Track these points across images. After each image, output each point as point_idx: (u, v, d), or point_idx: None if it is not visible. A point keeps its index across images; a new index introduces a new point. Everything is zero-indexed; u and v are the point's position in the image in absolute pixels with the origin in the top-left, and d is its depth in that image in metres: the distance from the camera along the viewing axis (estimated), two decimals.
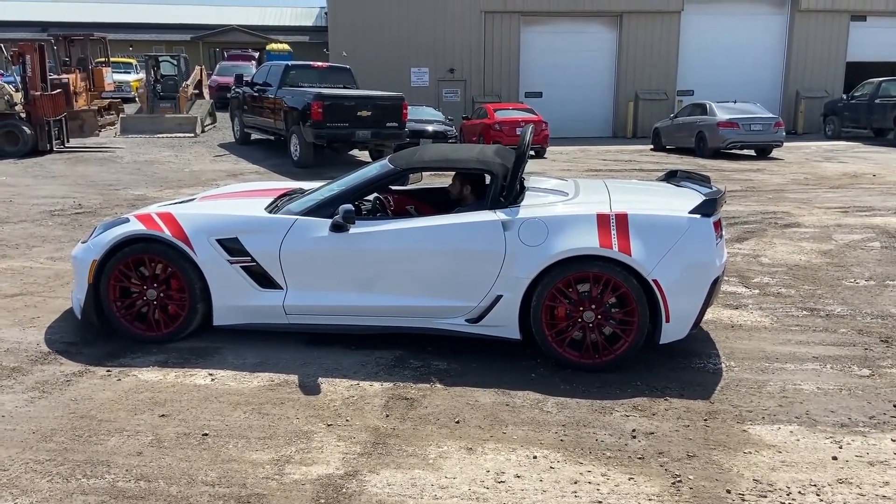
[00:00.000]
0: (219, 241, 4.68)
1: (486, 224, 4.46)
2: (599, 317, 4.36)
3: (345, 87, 15.61)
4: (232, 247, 4.67)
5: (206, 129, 20.63)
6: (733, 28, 27.20)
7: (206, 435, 3.55)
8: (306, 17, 43.38)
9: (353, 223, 4.51)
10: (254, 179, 12.97)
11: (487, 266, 4.43)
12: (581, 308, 4.36)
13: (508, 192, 4.57)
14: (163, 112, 20.61)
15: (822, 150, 20.44)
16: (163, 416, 3.76)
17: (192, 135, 19.29)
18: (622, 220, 4.34)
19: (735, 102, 19.83)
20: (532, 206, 4.53)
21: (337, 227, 4.53)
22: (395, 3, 25.53)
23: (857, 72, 27.11)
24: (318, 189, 5.28)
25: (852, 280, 6.48)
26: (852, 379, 4.28)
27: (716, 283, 4.40)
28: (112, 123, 20.25)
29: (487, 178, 4.91)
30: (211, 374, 4.31)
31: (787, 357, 4.63)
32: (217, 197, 5.63)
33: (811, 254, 7.51)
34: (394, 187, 5.58)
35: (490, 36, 26.07)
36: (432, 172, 5.19)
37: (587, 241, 4.29)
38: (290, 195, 5.42)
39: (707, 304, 4.40)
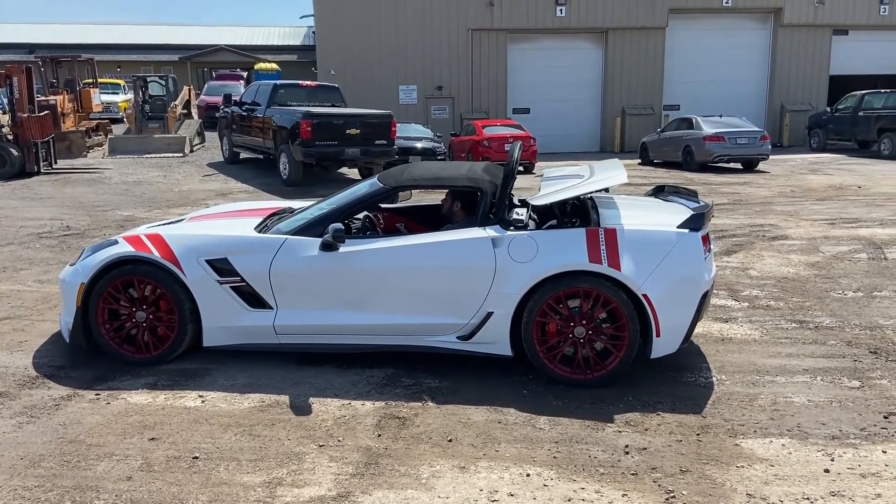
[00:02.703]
0: (208, 261, 4.66)
1: (475, 241, 4.47)
2: (590, 332, 4.36)
3: (333, 106, 15.65)
4: (221, 267, 4.66)
5: (194, 148, 20.60)
6: (717, 43, 27.53)
7: (197, 458, 3.52)
8: (294, 36, 43.53)
9: (343, 242, 4.51)
10: (243, 198, 12.96)
11: (478, 283, 4.43)
12: (572, 324, 4.36)
13: (498, 209, 4.59)
14: (151, 132, 20.59)
15: (807, 162, 20.64)
16: (152, 439, 3.72)
17: (181, 154, 19.26)
18: (611, 235, 4.36)
19: (721, 116, 20.03)
20: (550, 193, 4.58)
21: (327, 246, 4.52)
22: (382, 21, 25.70)
23: (840, 85, 27.47)
24: (307, 208, 5.29)
25: (840, 292, 6.52)
26: (843, 391, 4.30)
27: (705, 296, 4.42)
28: (100, 144, 20.19)
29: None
30: (201, 396, 4.28)
31: (778, 370, 4.64)
32: (206, 217, 5.62)
33: (799, 266, 7.56)
34: (383, 205, 5.59)
35: (477, 53, 26.27)
36: (422, 190, 5.20)
37: (577, 256, 4.30)
38: (279, 214, 5.42)
39: (697, 318, 4.41)
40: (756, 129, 19.65)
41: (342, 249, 4.55)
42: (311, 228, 4.69)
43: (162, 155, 19.11)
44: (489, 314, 4.44)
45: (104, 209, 11.81)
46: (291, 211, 5.50)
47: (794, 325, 5.59)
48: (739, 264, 7.66)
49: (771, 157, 19.40)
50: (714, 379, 4.51)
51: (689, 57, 27.39)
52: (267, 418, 3.98)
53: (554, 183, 4.85)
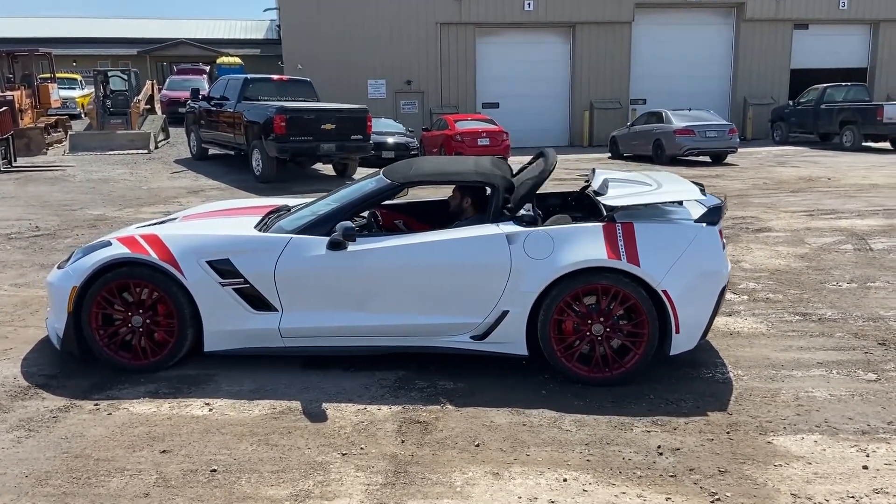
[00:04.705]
0: (209, 262, 4.45)
1: (489, 238, 4.34)
2: (608, 329, 4.27)
3: (305, 100, 15.33)
4: (223, 268, 4.45)
5: (159, 144, 20.08)
6: (682, 38, 27.83)
7: (215, 471, 3.34)
8: (257, 29, 42.81)
9: (354, 240, 4.34)
10: (216, 195, 12.62)
11: (493, 281, 4.31)
12: (589, 321, 4.27)
13: (517, 205, 4.47)
14: (114, 128, 19.96)
15: (772, 155, 20.97)
16: (164, 451, 3.52)
17: (146, 151, 18.72)
18: (629, 230, 4.27)
19: (690, 110, 20.22)
20: (627, 196, 4.49)
21: (335, 245, 4.34)
22: (349, 14, 25.36)
23: (800, 79, 27.98)
24: (308, 205, 5.10)
25: (835, 283, 6.56)
26: (861, 384, 4.28)
27: (723, 291, 4.37)
28: (59, 141, 19.54)
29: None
30: (207, 404, 4.09)
31: (793, 364, 4.62)
32: (201, 216, 5.39)
33: (789, 258, 7.60)
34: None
35: (446, 47, 26.11)
36: (429, 186, 5.05)
37: (595, 252, 4.21)
38: (277, 212, 5.22)
39: (715, 313, 4.36)
40: (724, 122, 19.91)
41: (351, 248, 4.38)
42: (318, 227, 4.51)
43: (126, 152, 18.55)
44: (505, 313, 4.32)
45: (72, 208, 11.38)
46: (288, 209, 5.31)
47: (797, 317, 5.58)
48: (731, 257, 7.65)
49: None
50: (731, 374, 4.47)
51: (655, 51, 27.62)
52: (282, 426, 3.80)
53: (622, 186, 4.74)
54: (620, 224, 4.30)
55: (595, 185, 4.99)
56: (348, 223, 4.35)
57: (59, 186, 13.73)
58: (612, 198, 4.47)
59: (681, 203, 4.58)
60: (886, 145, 21.71)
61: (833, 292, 6.26)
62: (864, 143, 21.54)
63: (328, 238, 4.38)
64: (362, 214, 4.96)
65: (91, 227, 9.70)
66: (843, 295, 6.18)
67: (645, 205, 4.43)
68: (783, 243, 8.34)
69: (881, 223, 9.42)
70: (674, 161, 18.94)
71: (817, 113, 23.19)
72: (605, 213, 4.46)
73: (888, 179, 14.34)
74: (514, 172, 5.17)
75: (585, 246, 4.24)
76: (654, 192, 4.59)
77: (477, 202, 4.85)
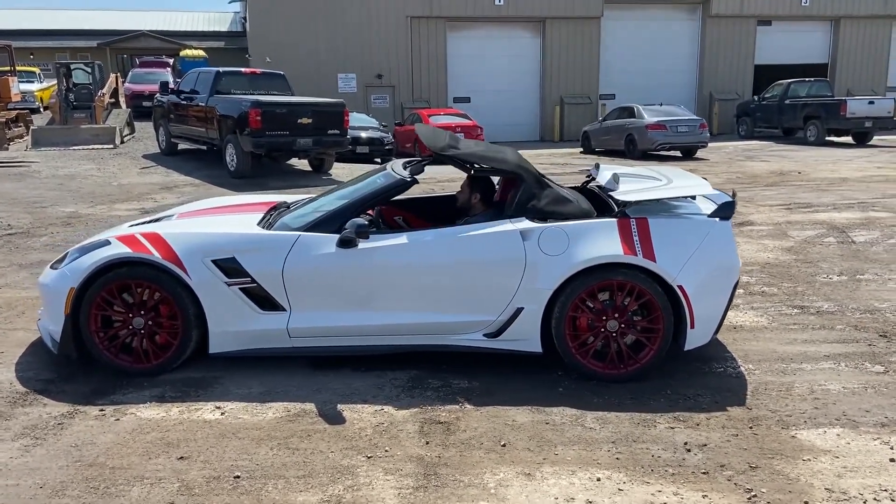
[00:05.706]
0: (214, 261, 4.31)
1: (504, 234, 4.28)
2: (623, 326, 4.26)
3: (279, 94, 15.06)
4: (229, 267, 4.32)
5: (125, 139, 19.58)
6: (650, 33, 28.14)
7: (238, 477, 3.23)
8: (220, 22, 42.02)
9: (367, 238, 4.24)
10: (190, 192, 12.36)
11: (508, 278, 4.25)
12: (604, 317, 4.24)
13: (550, 201, 4.43)
14: (77, 123, 19.40)
15: (740, 149, 21.30)
16: (181, 458, 3.40)
17: (111, 146, 18.24)
18: (643, 225, 4.26)
19: (661, 105, 20.44)
20: (640, 191, 4.48)
21: (346, 243, 4.24)
22: (318, 7, 25.04)
23: (763, 74, 28.49)
24: (309, 201, 4.99)
25: (825, 276, 6.65)
26: (870, 376, 4.33)
27: (735, 286, 4.38)
28: (21, 136, 18.94)
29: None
30: (218, 407, 3.96)
31: (801, 357, 4.66)
32: (198, 213, 5.23)
33: (776, 251, 7.70)
34: None
35: (417, 41, 25.97)
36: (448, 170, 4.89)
37: (610, 248, 4.18)
38: (278, 209, 5.10)
39: (728, 307, 4.37)
40: (695, 117, 20.18)
41: (361, 245, 4.28)
42: (328, 224, 4.40)
43: (91, 147, 18.04)
44: (519, 310, 4.27)
45: (42, 205, 11.02)
46: (287, 205, 5.19)
47: (796, 310, 5.64)
48: None
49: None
50: (742, 368, 4.48)
51: (624, 47, 27.89)
52: (300, 429, 3.70)
53: (633, 181, 4.72)
54: (635, 219, 4.28)
55: (601, 180, 4.96)
56: (361, 220, 4.26)
57: (25, 183, 13.30)
58: (624, 193, 4.45)
59: (693, 198, 4.58)
60: (849, 139, 22.23)
61: (825, 285, 6.35)
62: (827, 138, 22.00)
63: (338, 235, 4.28)
64: (368, 212, 4.86)
65: (65, 224, 9.40)
66: (836, 287, 6.26)
67: (658, 200, 4.42)
68: (768, 237, 8.45)
69: (858, 216, 9.61)
70: (645, 156, 19.14)
71: (782, 108, 23.63)
72: (615, 209, 4.44)
73: (856, 173, 14.66)
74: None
75: (600, 242, 4.21)
76: (666, 187, 4.58)
77: (486, 198, 4.78)
